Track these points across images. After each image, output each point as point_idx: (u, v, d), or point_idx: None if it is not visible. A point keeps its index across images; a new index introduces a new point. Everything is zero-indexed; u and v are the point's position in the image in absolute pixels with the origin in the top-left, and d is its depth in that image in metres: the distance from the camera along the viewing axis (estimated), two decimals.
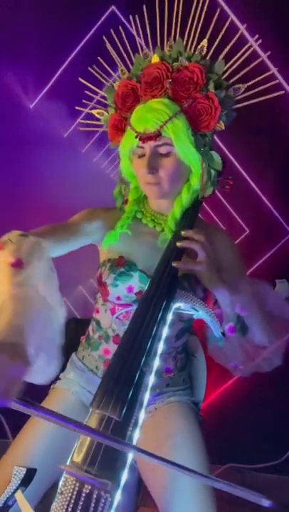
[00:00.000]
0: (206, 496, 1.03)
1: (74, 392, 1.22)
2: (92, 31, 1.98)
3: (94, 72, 1.26)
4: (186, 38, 1.16)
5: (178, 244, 1.08)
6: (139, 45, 1.22)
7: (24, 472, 0.95)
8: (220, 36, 1.14)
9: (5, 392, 0.75)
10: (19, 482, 0.94)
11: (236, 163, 2.07)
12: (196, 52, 1.14)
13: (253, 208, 2.12)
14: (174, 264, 1.06)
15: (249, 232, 2.14)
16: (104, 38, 1.25)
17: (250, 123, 1.99)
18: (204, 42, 1.13)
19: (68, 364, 1.29)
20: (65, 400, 1.21)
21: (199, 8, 1.15)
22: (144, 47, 1.21)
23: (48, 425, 1.13)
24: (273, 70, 1.20)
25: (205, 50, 1.13)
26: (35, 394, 1.22)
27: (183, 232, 1.08)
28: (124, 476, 0.87)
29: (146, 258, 1.17)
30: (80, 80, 1.29)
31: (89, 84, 1.28)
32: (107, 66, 1.28)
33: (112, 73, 1.26)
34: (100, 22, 1.99)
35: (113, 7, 1.99)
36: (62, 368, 1.29)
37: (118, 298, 1.17)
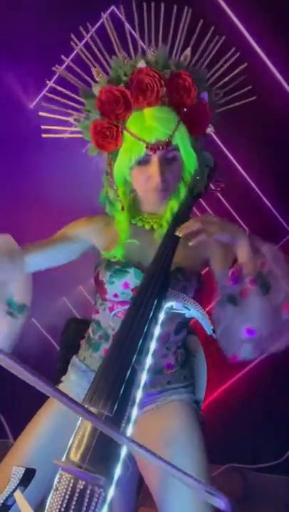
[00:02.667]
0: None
1: (75, 394, 1.23)
2: (92, 31, 1.98)
3: (60, 72, 1.26)
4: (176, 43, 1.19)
5: (177, 233, 1.05)
6: (134, 42, 1.23)
7: (23, 472, 0.95)
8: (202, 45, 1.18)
9: None
10: (18, 482, 0.94)
11: (236, 164, 2.08)
12: (182, 60, 1.18)
13: (253, 208, 2.12)
14: (177, 233, 1.05)
15: (249, 232, 2.14)
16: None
17: (250, 124, 1.99)
18: (188, 50, 1.17)
19: (70, 367, 1.30)
20: None
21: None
22: (143, 46, 1.21)
23: (49, 426, 1.15)
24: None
25: (189, 58, 1.18)
26: (39, 397, 1.23)
27: (178, 233, 1.05)
28: (118, 471, 0.88)
29: (141, 255, 1.20)
30: (47, 81, 1.31)
31: (60, 88, 1.26)
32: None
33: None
34: (100, 22, 1.99)
35: (113, 7, 1.99)
36: (64, 371, 1.29)
37: (115, 295, 1.18)
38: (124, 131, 1.13)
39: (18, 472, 0.95)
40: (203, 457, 1.10)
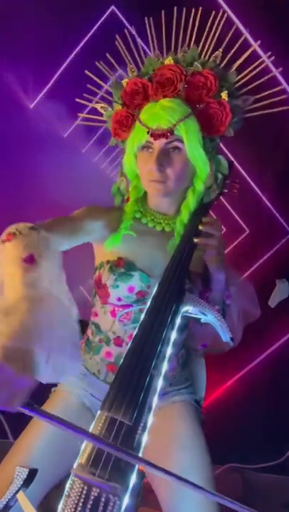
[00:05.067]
0: (211, 503, 1.04)
1: (76, 395, 1.22)
2: (92, 31, 1.98)
3: (100, 66, 1.27)
4: (200, 45, 1.20)
5: (195, 240, 1.10)
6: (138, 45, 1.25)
7: (27, 473, 0.94)
8: (234, 48, 1.20)
9: (9, 402, 0.74)
10: (21, 483, 0.92)
11: (236, 164, 2.07)
12: (210, 60, 1.18)
13: (253, 208, 2.12)
14: (195, 241, 1.10)
15: (249, 232, 2.14)
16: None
17: (251, 124, 1.99)
18: (219, 51, 1.17)
19: None
20: (67, 402, 1.21)
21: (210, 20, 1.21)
22: (145, 47, 1.23)
23: (49, 426, 1.14)
24: (285, 85, 1.21)
25: (219, 59, 1.18)
26: (37, 396, 1.22)
27: (196, 240, 1.10)
28: (133, 479, 0.85)
29: (146, 258, 1.18)
30: (87, 72, 1.30)
31: (96, 78, 1.29)
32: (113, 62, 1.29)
33: (110, 73, 1.28)
34: (100, 22, 1.99)
35: (113, 7, 1.99)
36: None
37: (119, 299, 1.17)
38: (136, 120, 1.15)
39: (21, 473, 0.94)
40: (207, 457, 1.13)
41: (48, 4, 2.00)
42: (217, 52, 1.18)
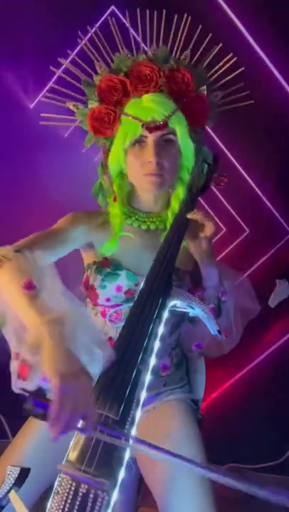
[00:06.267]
0: (204, 491, 1.03)
1: None
2: (92, 31, 1.97)
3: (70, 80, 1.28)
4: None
5: (189, 216, 1.10)
6: (132, 41, 1.24)
7: (18, 472, 0.94)
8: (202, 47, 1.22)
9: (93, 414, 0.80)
10: (13, 482, 0.93)
11: (237, 164, 2.08)
12: (181, 58, 1.21)
13: (253, 208, 2.12)
14: (189, 216, 1.10)
15: (249, 232, 2.14)
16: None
17: (251, 124, 1.99)
18: (187, 51, 1.21)
19: None
20: None
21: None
22: (143, 46, 1.23)
23: (41, 427, 1.12)
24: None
25: (188, 58, 1.21)
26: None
27: (189, 216, 1.10)
28: (121, 474, 0.86)
29: (133, 256, 1.18)
30: (53, 69, 1.34)
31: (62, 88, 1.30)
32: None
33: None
34: (100, 22, 1.99)
35: (113, 7, 1.99)
36: None
37: (108, 299, 1.16)
38: (122, 115, 1.15)
39: (13, 472, 0.95)
40: (203, 455, 1.09)
41: (48, 4, 2.00)
42: (185, 52, 1.21)
